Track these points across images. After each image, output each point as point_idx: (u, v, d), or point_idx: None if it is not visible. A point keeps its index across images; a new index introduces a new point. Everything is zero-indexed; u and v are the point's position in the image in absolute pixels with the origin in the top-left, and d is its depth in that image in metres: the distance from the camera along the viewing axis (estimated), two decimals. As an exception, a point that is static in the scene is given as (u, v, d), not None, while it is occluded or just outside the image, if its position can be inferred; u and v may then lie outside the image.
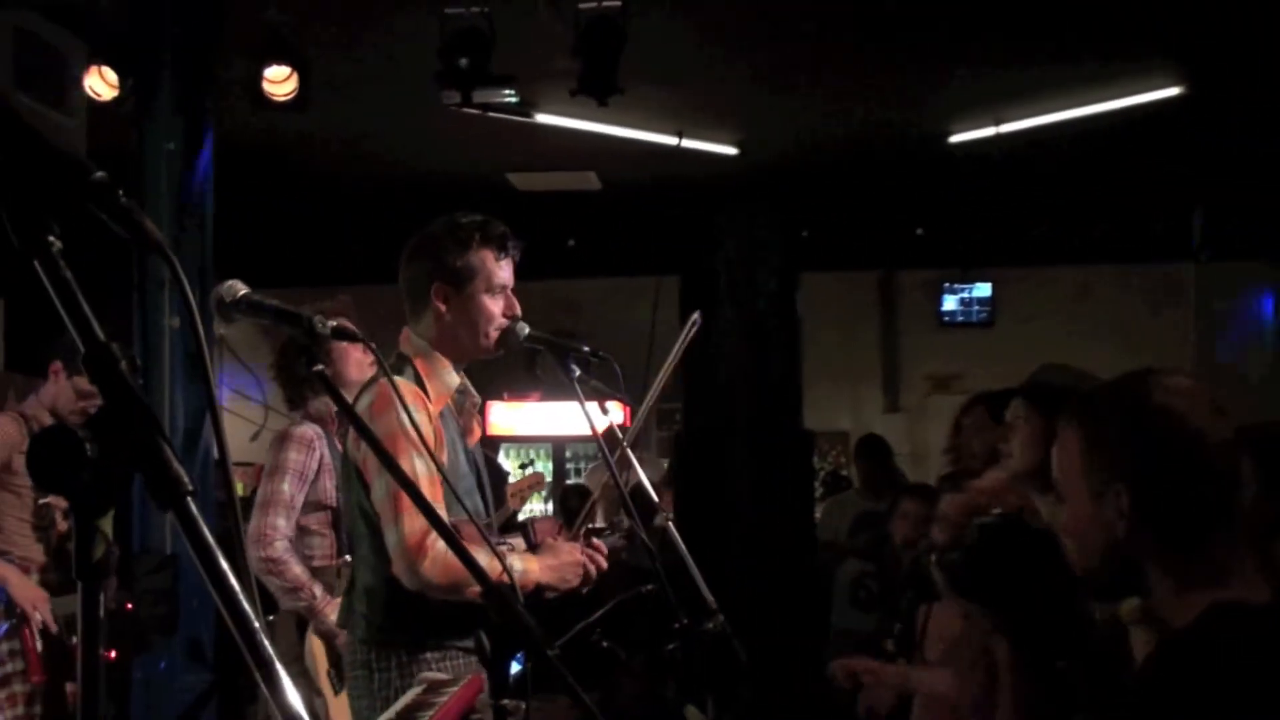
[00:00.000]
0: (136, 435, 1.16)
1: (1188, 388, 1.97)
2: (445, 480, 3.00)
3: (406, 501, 3.05)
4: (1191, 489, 1.91)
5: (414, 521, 3.05)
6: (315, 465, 4.80)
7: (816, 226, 10.85)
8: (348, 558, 4.71)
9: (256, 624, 1.17)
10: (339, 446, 4.83)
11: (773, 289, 9.93)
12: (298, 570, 4.66)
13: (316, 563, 4.79)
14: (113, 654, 5.57)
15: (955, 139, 9.04)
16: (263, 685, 1.16)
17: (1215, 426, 1.94)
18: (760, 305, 9.86)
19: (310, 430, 4.86)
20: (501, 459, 11.76)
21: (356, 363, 4.71)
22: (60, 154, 1.20)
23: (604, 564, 3.49)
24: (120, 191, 1.18)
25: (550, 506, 11.13)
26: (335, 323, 2.46)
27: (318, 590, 4.68)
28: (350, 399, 4.29)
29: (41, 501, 5.05)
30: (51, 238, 1.19)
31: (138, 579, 5.80)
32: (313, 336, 2.38)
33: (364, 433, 2.37)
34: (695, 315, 3.71)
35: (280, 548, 4.64)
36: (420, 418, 3.07)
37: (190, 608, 6.06)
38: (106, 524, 1.17)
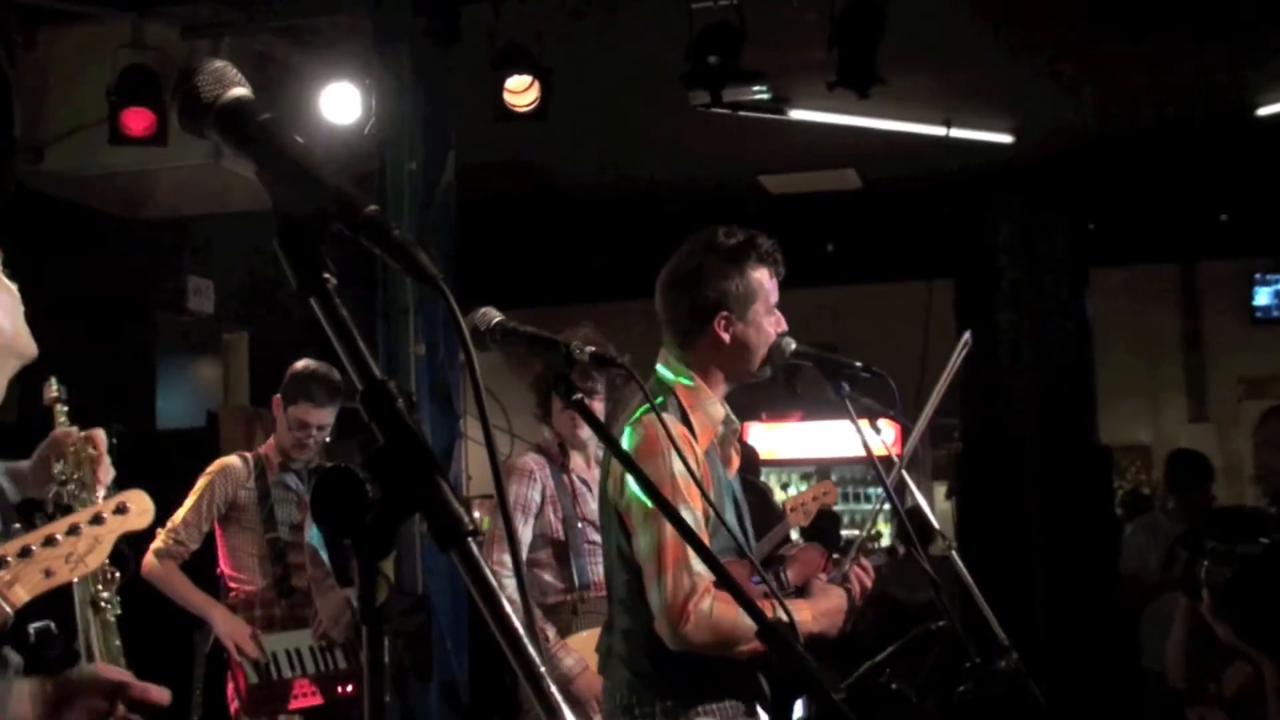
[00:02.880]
0: (416, 475, 1.21)
1: None
2: (726, 528, 3.01)
3: (671, 558, 3.06)
4: None
5: (679, 580, 3.05)
6: (538, 497, 4.89)
7: (1105, 217, 10.54)
8: (583, 593, 4.82)
9: (542, 668, 1.21)
10: (567, 480, 4.94)
11: (1059, 289, 9.67)
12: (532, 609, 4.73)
13: (551, 599, 4.85)
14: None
15: (1263, 111, 8.67)
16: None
17: None
18: (1045, 307, 9.61)
19: (531, 461, 4.97)
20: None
21: None
22: (335, 189, 1.27)
23: (869, 583, 3.43)
24: (394, 226, 1.25)
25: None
26: (593, 349, 2.52)
27: (550, 632, 4.75)
28: None
29: (269, 537, 5.45)
30: (327, 274, 1.26)
31: (391, 620, 5.98)
32: (571, 364, 2.44)
33: (635, 473, 2.39)
34: (966, 335, 3.64)
35: (510, 585, 4.70)
36: (690, 463, 3.01)
37: (444, 649, 6.25)
38: (388, 566, 1.22)
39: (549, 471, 4.95)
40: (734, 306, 3.31)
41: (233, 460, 5.57)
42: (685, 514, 3.04)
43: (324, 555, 5.40)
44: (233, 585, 5.50)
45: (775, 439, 12.65)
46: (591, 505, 4.86)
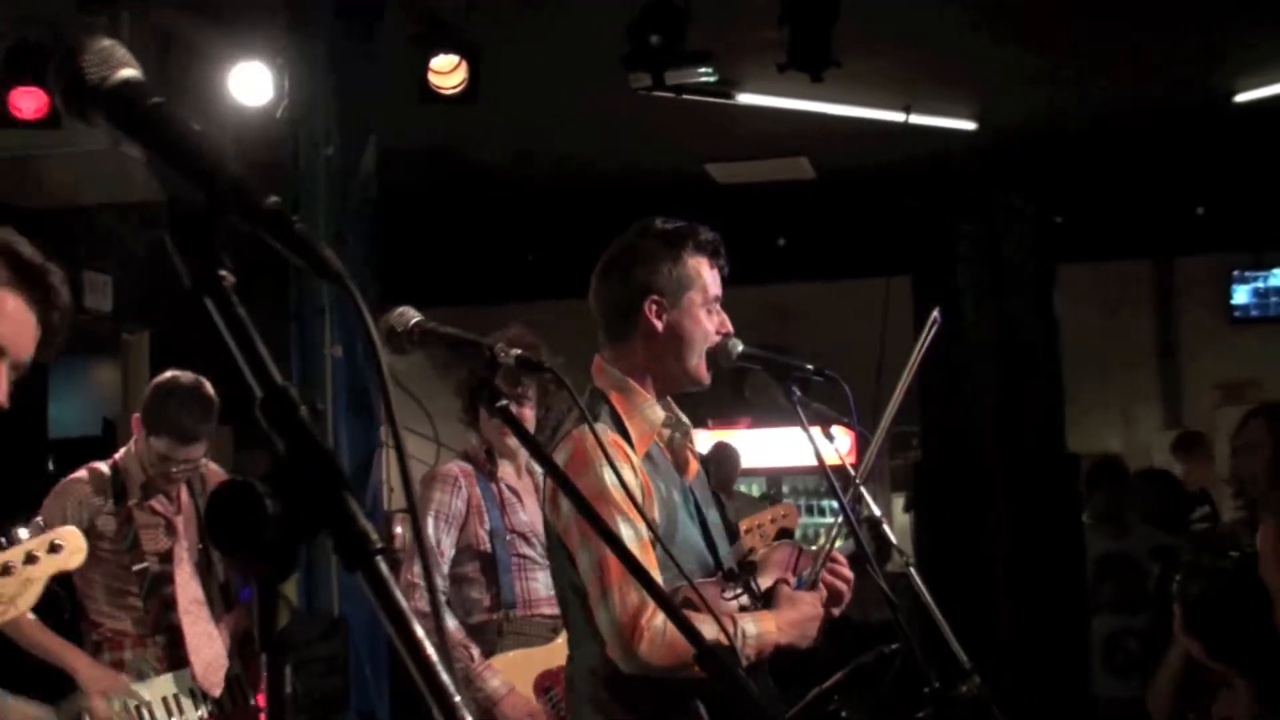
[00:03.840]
0: (320, 489, 1.21)
1: None
2: (660, 542, 2.99)
3: (615, 574, 3.06)
4: None
5: (626, 596, 3.05)
6: (463, 506, 4.91)
7: (1074, 210, 10.64)
8: (509, 612, 4.82)
9: (458, 698, 1.21)
10: (495, 489, 4.96)
11: (1024, 286, 9.75)
12: (450, 626, 4.74)
13: (476, 618, 4.86)
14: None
15: (1243, 98, 8.76)
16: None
17: None
18: (1010, 306, 9.69)
19: (455, 467, 4.99)
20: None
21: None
22: (230, 178, 1.26)
23: (850, 575, 3.44)
24: (295, 218, 1.24)
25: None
26: (520, 352, 2.51)
27: (475, 651, 4.75)
28: None
29: (137, 568, 5.09)
30: (224, 272, 1.25)
31: (302, 646, 5.89)
32: (495, 368, 2.44)
33: (565, 485, 2.39)
34: (935, 313, 3.66)
35: (429, 600, 4.72)
36: (625, 473, 3.05)
37: (362, 677, 6.21)
38: (290, 589, 1.22)
39: (476, 479, 4.96)
40: (665, 291, 3.33)
41: (83, 479, 5.10)
42: (624, 528, 3.05)
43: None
44: (95, 624, 5.10)
45: (723, 447, 12.67)
46: (522, 516, 4.89)
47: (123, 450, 5.25)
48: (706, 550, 3.34)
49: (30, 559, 2.36)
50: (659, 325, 3.33)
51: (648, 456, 3.28)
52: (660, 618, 3.02)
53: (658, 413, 3.35)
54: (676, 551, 3.08)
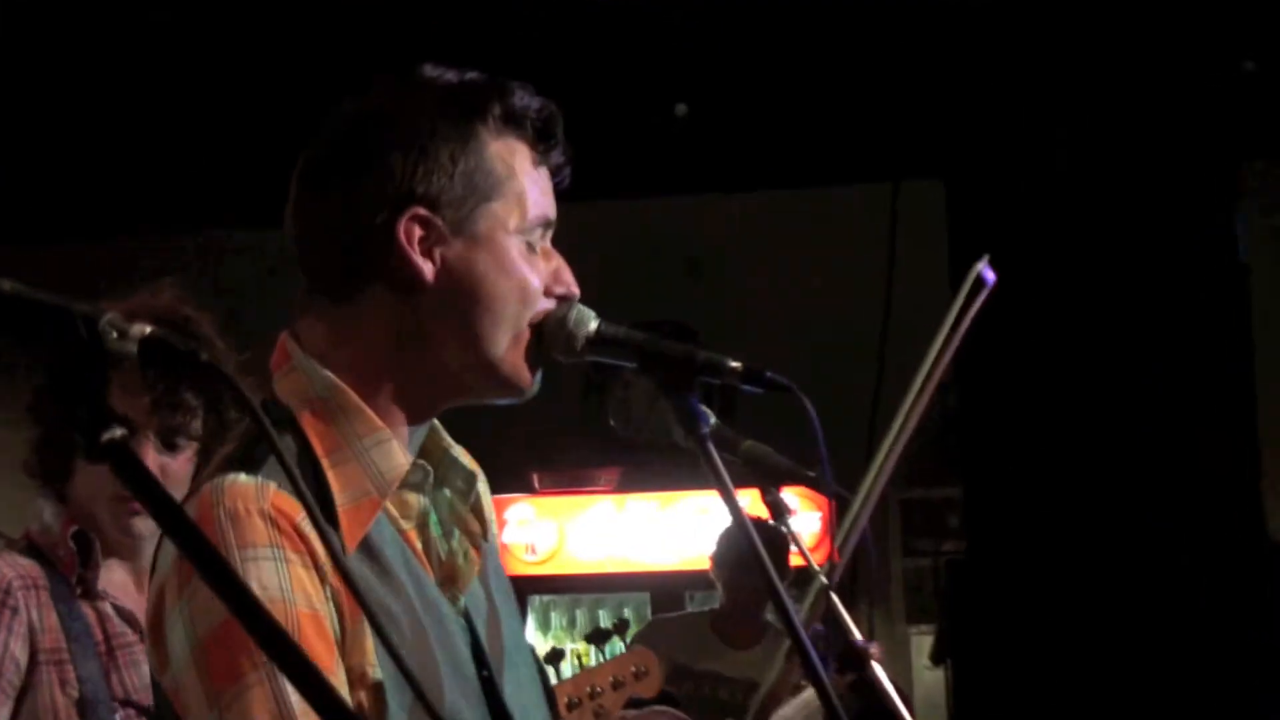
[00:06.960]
0: None
1: None
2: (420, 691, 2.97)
3: None
4: None
5: None
6: (23, 650, 4.91)
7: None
8: None
9: None
10: (91, 615, 5.00)
11: (1177, 207, 9.82)
12: None
13: None
14: None
15: None
16: None
17: None
18: (1147, 247, 9.77)
19: (9, 571, 4.98)
20: (530, 627, 11.86)
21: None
22: None
23: None
24: None
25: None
26: (153, 329, 2.50)
27: None
28: None
29: None
30: None
31: None
32: (103, 358, 2.43)
33: (217, 581, 2.39)
34: (981, 264, 3.74)
35: None
36: (292, 573, 3.04)
37: None
38: None
39: (51, 596, 4.93)
40: (442, 199, 3.26)
41: None
42: (286, 690, 2.97)
43: None
44: None
45: (563, 528, 12.71)
46: (144, 667, 4.85)
47: None
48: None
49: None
50: (427, 269, 3.26)
51: (366, 547, 3.21)
52: None
53: (395, 457, 3.27)
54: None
